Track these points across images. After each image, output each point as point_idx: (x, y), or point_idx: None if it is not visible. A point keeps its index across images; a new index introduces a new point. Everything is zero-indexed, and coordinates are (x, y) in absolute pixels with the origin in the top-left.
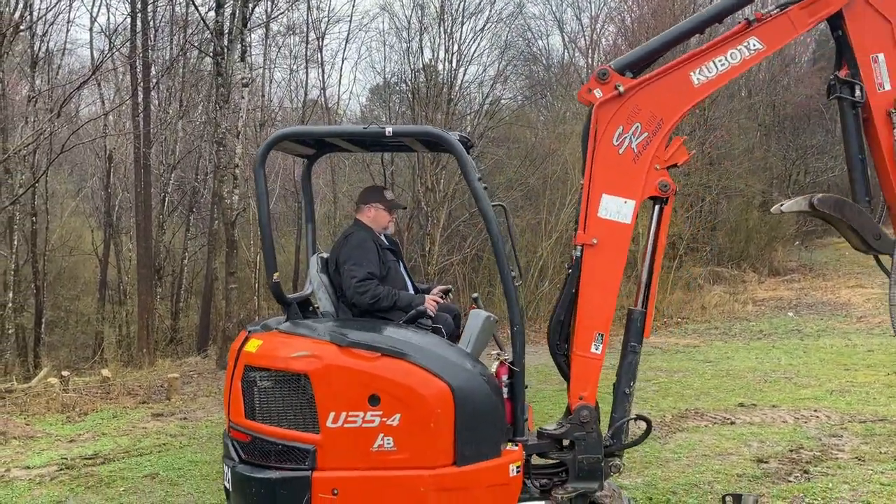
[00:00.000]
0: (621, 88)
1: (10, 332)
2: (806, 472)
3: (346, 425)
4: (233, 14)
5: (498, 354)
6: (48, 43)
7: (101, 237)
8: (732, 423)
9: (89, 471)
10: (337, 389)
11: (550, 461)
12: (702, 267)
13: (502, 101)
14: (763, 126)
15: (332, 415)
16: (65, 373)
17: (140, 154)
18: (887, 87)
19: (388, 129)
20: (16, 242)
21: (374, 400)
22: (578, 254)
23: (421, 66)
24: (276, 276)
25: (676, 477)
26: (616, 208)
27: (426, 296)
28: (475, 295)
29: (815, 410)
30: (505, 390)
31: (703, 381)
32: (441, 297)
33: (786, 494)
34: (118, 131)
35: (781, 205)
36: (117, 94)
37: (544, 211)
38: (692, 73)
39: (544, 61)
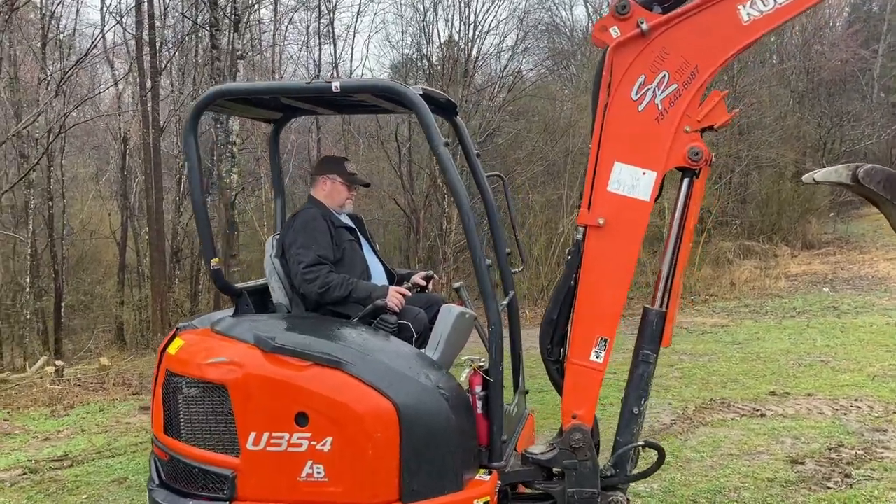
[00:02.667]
0: (645, 26)
1: (27, 316)
2: (847, 475)
3: (269, 448)
4: None
5: (470, 360)
6: (58, 24)
7: (119, 220)
8: (763, 415)
9: (54, 475)
10: (259, 405)
11: (536, 491)
12: (731, 241)
13: (523, 72)
14: (796, 93)
15: (253, 435)
16: (58, 363)
17: (149, 135)
18: None
19: (335, 84)
20: (31, 226)
21: (301, 419)
22: (581, 237)
23: (438, 41)
24: (214, 261)
25: (698, 481)
26: (631, 181)
27: (390, 287)
28: (457, 285)
29: (856, 399)
30: (479, 405)
31: (731, 365)
32: (414, 287)
33: None
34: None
35: (815, 173)
36: (129, 75)
37: (565, 186)
38: (740, 7)
39: (568, 32)
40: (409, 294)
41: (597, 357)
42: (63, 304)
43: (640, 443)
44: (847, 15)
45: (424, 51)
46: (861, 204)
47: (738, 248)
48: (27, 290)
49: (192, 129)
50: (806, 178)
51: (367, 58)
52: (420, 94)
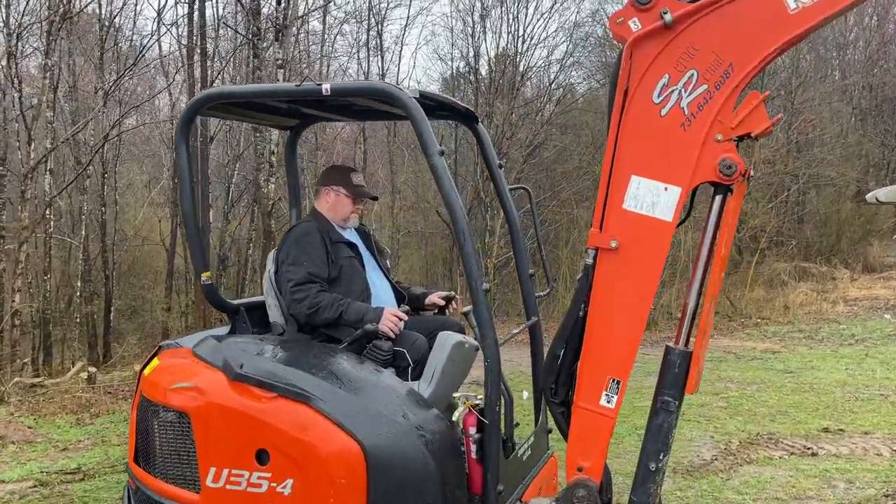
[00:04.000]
0: (669, 17)
1: (77, 320)
2: None
3: (228, 486)
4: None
5: (464, 398)
6: (116, 34)
7: (169, 227)
8: (814, 454)
9: (63, 489)
10: (220, 437)
11: None
12: (786, 262)
13: (574, 85)
14: (858, 109)
15: (213, 471)
16: (91, 369)
17: (198, 144)
18: None
19: (326, 87)
20: (84, 231)
21: (262, 456)
22: (591, 260)
23: (487, 54)
24: (205, 275)
25: None
26: (651, 198)
27: (386, 308)
28: (466, 309)
29: None
30: (473, 448)
31: (781, 396)
32: (410, 312)
33: None
34: (173, 120)
35: (878, 192)
36: (184, 86)
37: None
38: None
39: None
40: (406, 318)
41: (607, 401)
42: (112, 309)
43: (658, 502)
44: None
45: (472, 63)
46: None
47: (793, 270)
48: (77, 294)
49: (183, 134)
50: (869, 197)
51: (415, 69)
52: (416, 98)
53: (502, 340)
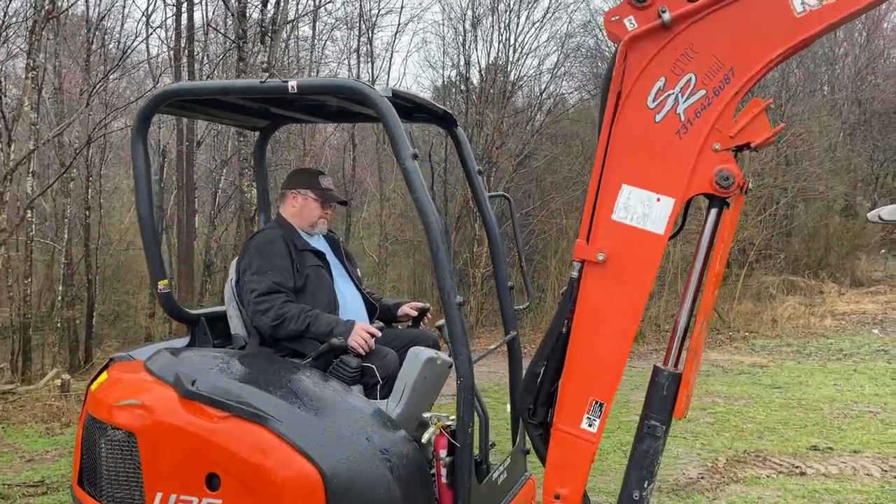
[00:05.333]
0: (667, 17)
1: (58, 325)
2: None
3: None
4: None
5: (435, 418)
6: (103, 36)
7: None
8: (803, 473)
9: (25, 502)
10: (167, 459)
11: None
12: (775, 276)
13: (564, 95)
14: (847, 124)
15: (159, 496)
16: (65, 376)
17: (184, 148)
18: None
19: (292, 84)
20: (66, 236)
21: (213, 481)
22: (576, 273)
23: (479, 63)
24: (162, 283)
25: None
26: (642, 209)
27: (357, 323)
28: (440, 322)
29: None
30: (444, 472)
31: (769, 412)
32: (383, 328)
33: None
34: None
35: (881, 210)
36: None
37: None
38: None
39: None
40: (379, 335)
41: (589, 425)
42: (95, 314)
43: None
44: None
45: (463, 72)
46: None
47: (781, 283)
48: (58, 298)
49: (140, 134)
50: (871, 215)
51: (405, 76)
52: (388, 97)
53: (477, 357)
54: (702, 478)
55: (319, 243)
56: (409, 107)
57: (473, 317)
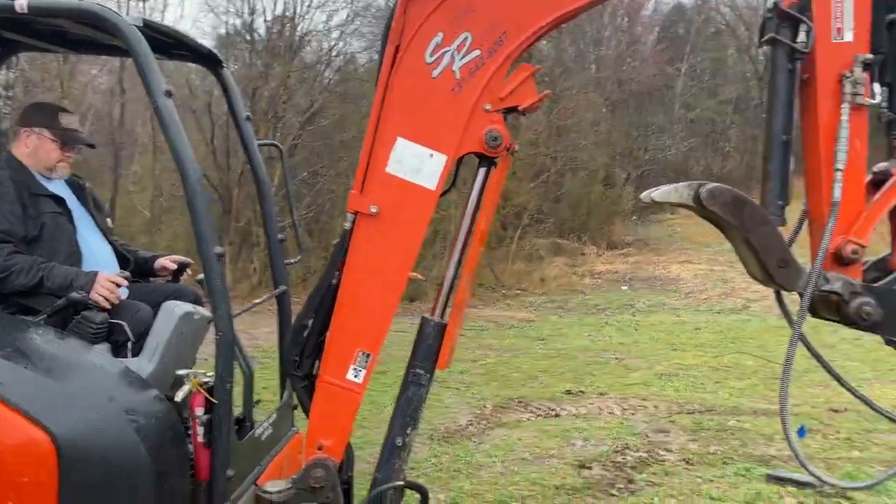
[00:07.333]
0: None
1: None
2: (631, 481)
3: None
4: None
5: (191, 375)
6: None
7: None
8: (557, 415)
9: None
10: None
11: None
12: (544, 238)
13: (355, 54)
14: (609, 101)
15: None
16: None
17: None
18: (848, 36)
19: (21, 3)
20: None
21: None
22: (349, 225)
23: (264, 13)
24: None
25: (486, 491)
26: (416, 163)
27: (100, 274)
28: (201, 276)
29: (644, 399)
30: (201, 432)
31: (533, 362)
32: (132, 279)
33: None
34: None
35: (653, 192)
36: None
37: None
38: None
39: None
40: (125, 284)
41: (355, 376)
42: None
43: (401, 482)
44: (657, 34)
45: (248, 21)
46: (660, 209)
47: (550, 245)
48: None
49: None
50: (644, 196)
51: (182, 19)
52: (139, 27)
53: (239, 311)
54: (470, 424)
55: (60, 188)
56: (169, 42)
57: (257, 278)
